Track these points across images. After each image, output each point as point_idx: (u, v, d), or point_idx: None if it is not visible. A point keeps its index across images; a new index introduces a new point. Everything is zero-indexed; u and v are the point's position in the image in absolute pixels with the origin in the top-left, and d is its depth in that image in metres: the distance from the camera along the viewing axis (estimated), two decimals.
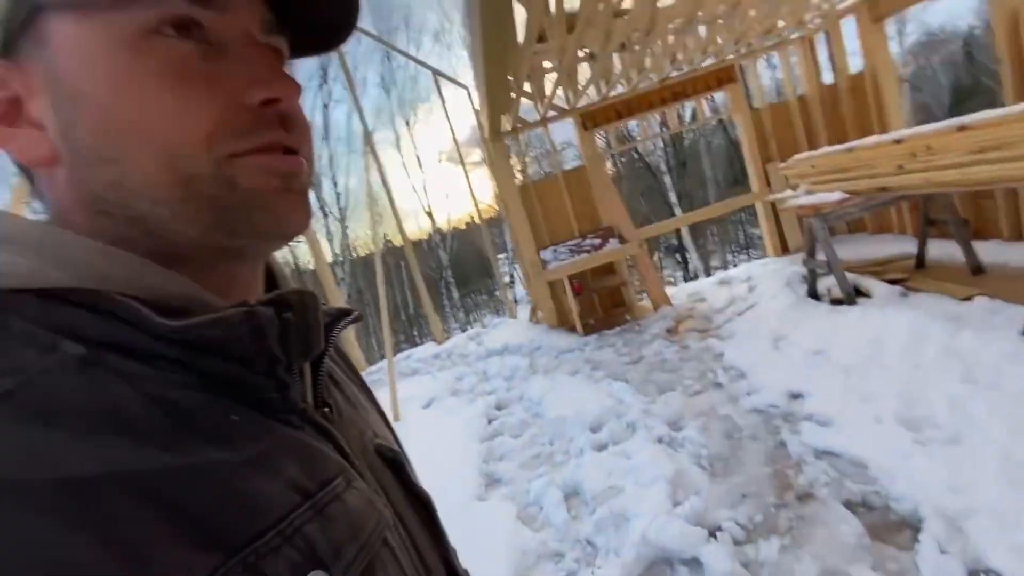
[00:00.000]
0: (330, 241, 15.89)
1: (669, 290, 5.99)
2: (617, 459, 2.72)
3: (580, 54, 4.73)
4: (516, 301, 10.93)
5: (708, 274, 15.65)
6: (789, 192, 4.49)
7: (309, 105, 15.45)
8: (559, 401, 3.64)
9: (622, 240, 5.63)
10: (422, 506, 0.43)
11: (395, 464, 0.41)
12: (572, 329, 5.54)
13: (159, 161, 0.28)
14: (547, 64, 4.87)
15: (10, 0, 0.27)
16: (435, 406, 4.45)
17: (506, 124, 5.84)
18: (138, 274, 0.28)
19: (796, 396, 2.81)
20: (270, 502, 0.27)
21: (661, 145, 16.17)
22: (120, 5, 0.27)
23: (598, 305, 6.09)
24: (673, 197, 15.98)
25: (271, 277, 0.40)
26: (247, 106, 0.30)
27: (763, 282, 4.94)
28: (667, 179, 16.20)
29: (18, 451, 0.21)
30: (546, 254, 5.73)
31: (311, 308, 0.32)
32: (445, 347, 6.39)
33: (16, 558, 0.19)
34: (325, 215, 15.83)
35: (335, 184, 15.99)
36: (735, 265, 9.70)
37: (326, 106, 15.69)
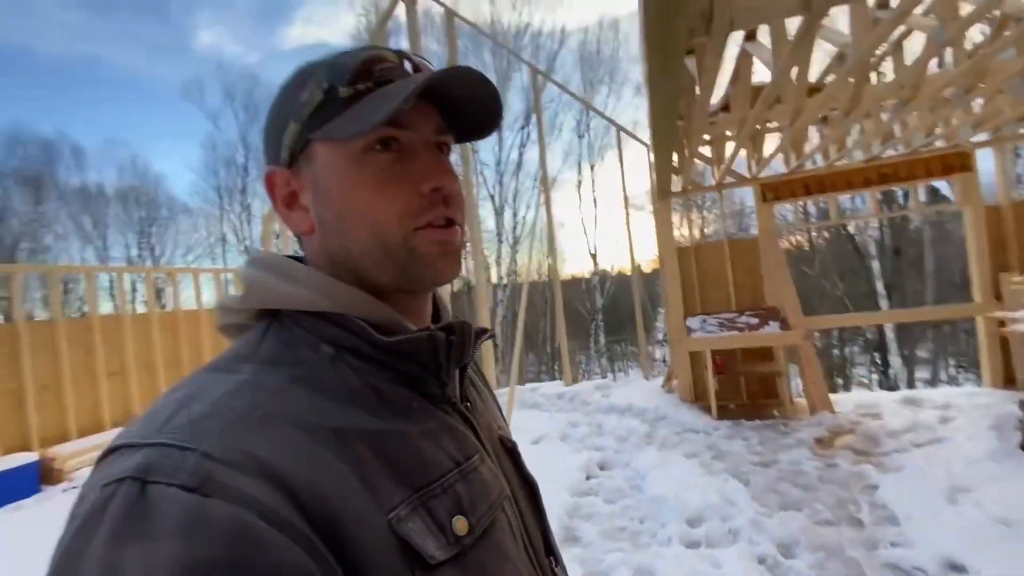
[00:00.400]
0: (499, 264, 17.12)
1: (835, 396, 5.16)
2: (704, 563, 2.48)
3: (768, 124, 4.50)
4: (658, 361, 10.40)
5: (911, 386, 12.88)
6: None
7: (509, 143, 17.11)
8: (665, 480, 3.42)
9: (784, 325, 5.06)
10: (530, 489, 0.53)
11: (513, 452, 0.53)
12: (706, 408, 5.13)
13: (369, 234, 0.43)
14: (728, 132, 4.74)
15: (296, 135, 0.44)
16: (542, 445, 4.52)
17: (678, 184, 5.78)
18: (366, 305, 0.43)
19: (958, 569, 2.23)
20: (436, 463, 0.41)
21: (876, 224, 14.01)
22: (352, 136, 0.41)
23: (743, 390, 5.53)
24: (880, 287, 13.63)
25: (436, 303, 0.55)
26: (422, 193, 0.44)
27: (963, 415, 3.99)
28: (876, 264, 13.91)
29: (312, 409, 0.37)
30: (694, 322, 5.44)
31: (468, 333, 0.46)
32: (571, 389, 6.42)
33: (310, 466, 0.33)
34: (500, 240, 17.16)
35: (515, 214, 17.29)
36: (941, 384, 7.87)
37: (523, 145, 17.16)
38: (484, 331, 0.50)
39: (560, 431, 4.81)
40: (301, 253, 0.49)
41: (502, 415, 0.61)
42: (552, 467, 3.89)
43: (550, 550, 0.53)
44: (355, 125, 0.40)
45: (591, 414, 5.43)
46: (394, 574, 0.34)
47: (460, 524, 0.39)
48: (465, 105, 0.46)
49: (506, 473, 0.50)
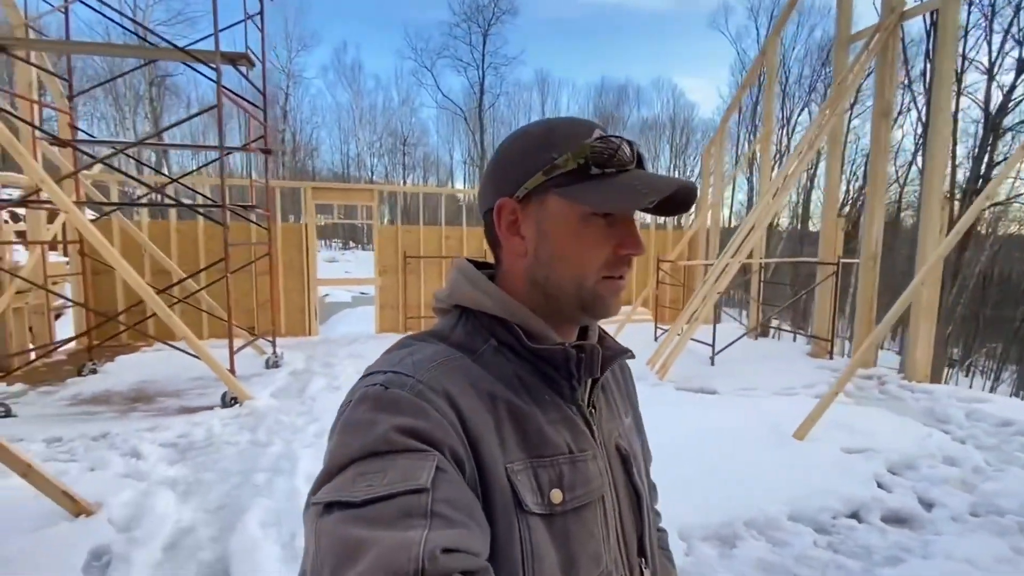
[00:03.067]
0: None
1: None
2: None
3: None
4: None
5: None
6: None
7: None
8: None
9: None
10: (636, 496, 0.62)
11: (626, 460, 0.62)
12: None
13: (573, 276, 0.56)
14: None
15: (539, 183, 0.55)
16: None
17: None
18: (525, 317, 0.57)
19: None
20: (552, 444, 0.53)
21: None
22: (584, 203, 0.54)
23: None
24: None
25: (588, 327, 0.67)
26: (618, 255, 0.56)
27: None
28: None
29: (478, 376, 0.53)
30: None
31: (595, 354, 0.57)
32: None
33: (471, 404, 0.49)
34: None
35: None
36: None
37: None
38: (623, 352, 0.62)
39: None
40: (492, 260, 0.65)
41: (638, 430, 0.73)
42: None
43: (642, 552, 0.61)
44: (597, 199, 0.53)
45: None
46: (505, 501, 0.47)
47: (556, 494, 0.51)
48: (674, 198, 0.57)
49: (614, 475, 0.59)
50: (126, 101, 22.13)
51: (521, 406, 0.52)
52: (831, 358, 6.49)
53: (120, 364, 5.80)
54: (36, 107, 5.27)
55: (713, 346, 6.05)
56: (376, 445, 0.42)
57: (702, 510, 2.71)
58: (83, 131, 5.79)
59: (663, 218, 8.03)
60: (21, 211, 6.20)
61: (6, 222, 5.96)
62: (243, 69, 4.99)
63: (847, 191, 20.44)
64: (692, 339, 5.69)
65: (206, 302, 6.22)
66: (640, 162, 0.57)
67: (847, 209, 18.59)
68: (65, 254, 7.08)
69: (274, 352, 5.90)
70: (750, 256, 6.65)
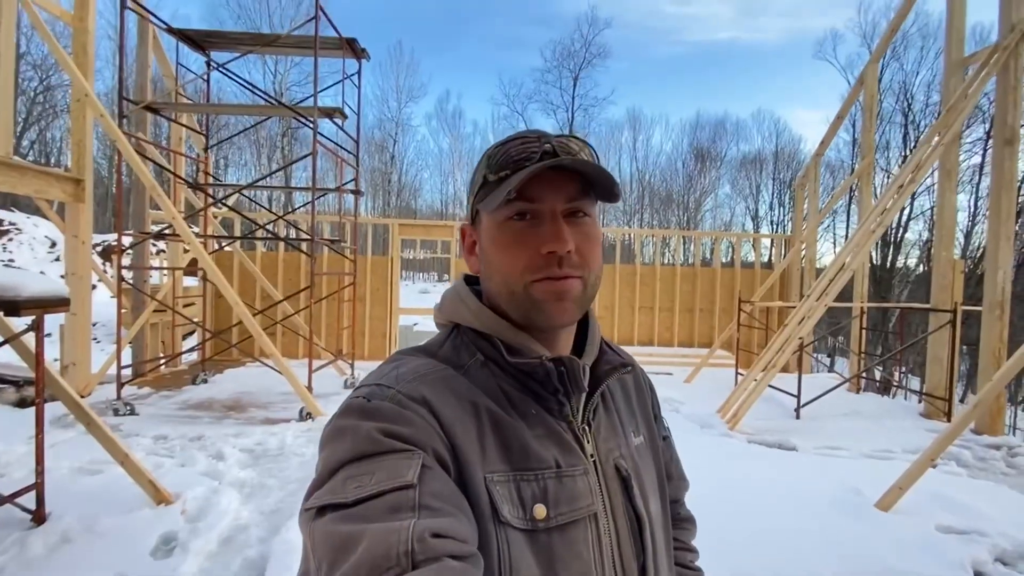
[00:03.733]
0: None
1: None
2: None
3: None
4: None
5: None
6: None
7: None
8: None
9: None
10: (636, 519, 0.58)
11: (625, 480, 0.59)
12: None
13: (502, 282, 0.57)
14: None
15: (472, 204, 0.61)
16: None
17: None
18: (505, 330, 0.58)
19: None
20: (537, 458, 0.52)
21: None
22: (500, 211, 0.56)
23: None
24: None
25: (583, 337, 0.65)
26: (541, 255, 0.54)
27: None
28: None
29: (462, 387, 0.54)
30: None
31: (575, 368, 0.56)
32: None
33: (452, 411, 0.51)
34: None
35: None
36: None
37: None
38: (621, 366, 0.61)
39: None
40: None
41: (653, 450, 0.68)
42: None
43: None
44: (491, 203, 0.55)
45: None
46: (483, 509, 0.47)
47: (539, 510, 0.50)
48: (593, 178, 0.56)
49: (611, 495, 0.56)
50: (264, 149, 25.67)
51: (505, 418, 0.52)
52: (948, 420, 5.58)
53: (227, 376, 6.59)
54: (181, 158, 6.39)
55: (799, 397, 5.49)
56: (362, 448, 0.45)
57: None
58: (214, 176, 6.83)
59: (750, 257, 7.58)
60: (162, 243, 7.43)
61: (154, 254, 7.17)
62: (338, 121, 5.67)
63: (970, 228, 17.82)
64: (774, 388, 5.23)
65: (296, 324, 6.92)
66: (556, 156, 0.55)
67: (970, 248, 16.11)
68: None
69: (352, 373, 6.37)
70: (844, 299, 6.02)
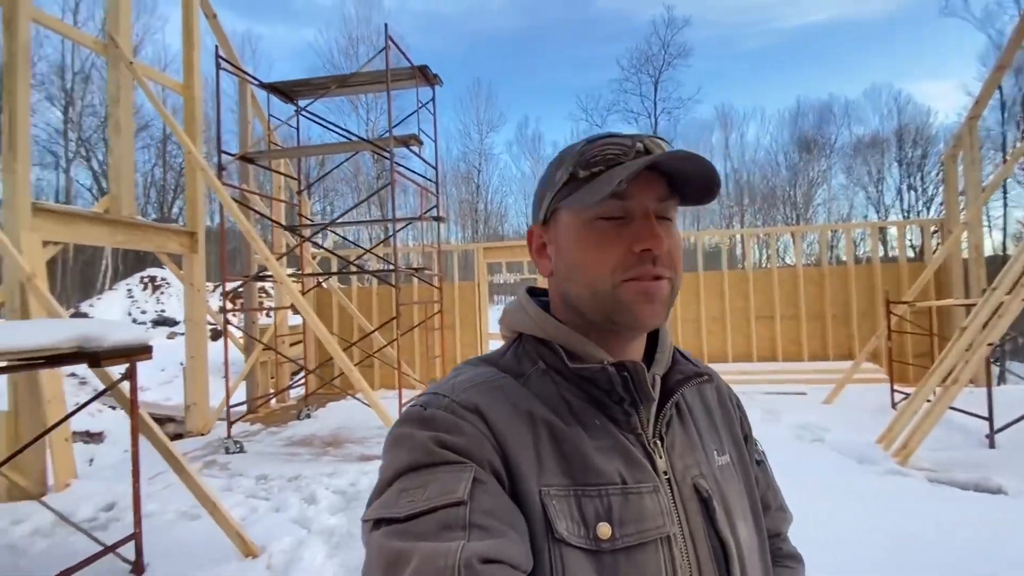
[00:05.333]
0: None
1: None
2: None
3: None
4: None
5: None
6: None
7: None
8: None
9: None
10: (720, 546, 0.53)
11: (706, 502, 0.54)
12: None
13: (586, 283, 0.55)
14: None
15: (549, 203, 0.58)
16: None
17: None
18: (567, 336, 0.57)
19: None
20: (600, 472, 0.50)
21: None
22: (586, 208, 0.54)
23: None
24: None
25: (654, 344, 0.63)
26: (634, 253, 0.53)
27: None
28: None
29: (519, 396, 0.53)
30: None
31: (639, 372, 0.53)
32: None
33: (506, 421, 0.51)
34: None
35: None
36: None
37: None
38: (696, 375, 0.58)
39: None
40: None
41: (740, 468, 0.62)
42: None
43: None
44: (586, 199, 0.53)
45: None
46: (536, 524, 0.46)
47: (603, 529, 0.47)
48: (689, 177, 0.54)
49: (688, 518, 0.52)
50: (363, 192, 27.64)
51: (564, 428, 0.52)
52: None
53: (329, 410, 6.72)
54: (281, 204, 6.76)
55: (991, 420, 4.29)
56: (417, 458, 0.46)
57: None
58: (308, 219, 7.17)
59: (891, 251, 6.33)
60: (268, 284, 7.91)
61: (261, 294, 7.65)
62: (415, 149, 5.62)
63: None
64: (952, 408, 4.13)
65: (391, 356, 6.92)
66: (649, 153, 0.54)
67: None
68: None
69: None
70: None
